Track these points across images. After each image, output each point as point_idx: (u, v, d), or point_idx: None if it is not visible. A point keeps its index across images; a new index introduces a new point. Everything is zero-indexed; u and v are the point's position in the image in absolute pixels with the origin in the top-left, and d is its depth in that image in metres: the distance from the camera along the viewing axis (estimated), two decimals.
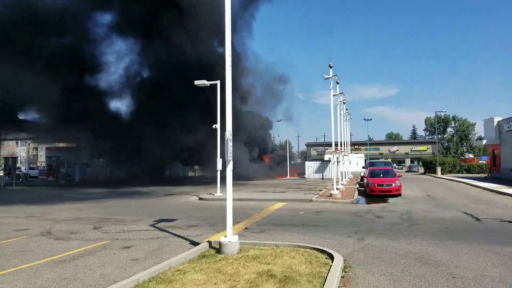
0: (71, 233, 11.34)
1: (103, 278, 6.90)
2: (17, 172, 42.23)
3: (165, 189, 28.44)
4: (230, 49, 8.65)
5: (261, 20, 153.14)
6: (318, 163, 45.76)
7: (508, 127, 33.00)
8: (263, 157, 49.08)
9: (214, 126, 23.02)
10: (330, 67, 22.42)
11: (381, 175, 22.71)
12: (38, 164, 78.97)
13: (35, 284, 6.66)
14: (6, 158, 48.80)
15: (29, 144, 52.24)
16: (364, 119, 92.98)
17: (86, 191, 28.42)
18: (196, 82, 19.94)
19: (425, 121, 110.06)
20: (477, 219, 13.04)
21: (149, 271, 6.71)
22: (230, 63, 8.69)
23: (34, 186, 35.41)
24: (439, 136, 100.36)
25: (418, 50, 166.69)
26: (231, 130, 8.61)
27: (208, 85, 20.45)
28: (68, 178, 42.80)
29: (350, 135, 54.20)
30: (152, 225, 12.49)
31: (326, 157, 49.44)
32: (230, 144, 8.51)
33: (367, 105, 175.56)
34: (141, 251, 8.95)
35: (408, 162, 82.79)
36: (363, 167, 41.85)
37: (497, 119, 36.17)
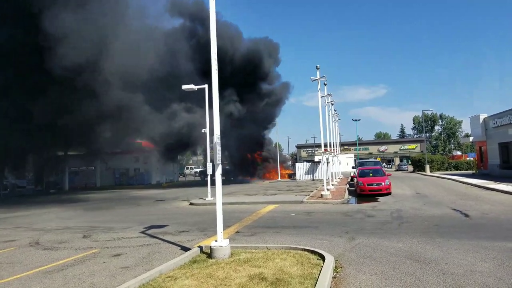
0: (60, 243, 11.16)
1: (93, 287, 6.79)
2: (4, 183, 41.47)
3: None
4: (216, 53, 8.64)
5: (243, 20, 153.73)
6: (308, 164, 45.91)
7: (494, 123, 33.55)
8: (256, 155, 48.12)
9: (203, 131, 22.93)
10: (317, 68, 22.58)
11: (371, 174, 22.88)
12: (26, 173, 77.60)
13: None
14: None
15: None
16: (352, 119, 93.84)
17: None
18: (184, 87, 19.88)
19: (413, 120, 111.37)
20: (466, 215, 13.20)
21: (140, 279, 6.63)
22: (216, 67, 8.68)
23: (23, 196, 34.83)
24: (427, 134, 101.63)
25: (405, 49, 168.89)
26: (219, 134, 8.59)
27: (196, 89, 20.41)
28: (57, 187, 42.20)
29: (340, 136, 54.53)
30: (143, 232, 12.37)
31: (316, 158, 49.62)
32: (218, 148, 8.49)
33: (355, 106, 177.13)
34: (131, 258, 8.85)
35: (397, 161, 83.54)
36: (353, 167, 42.18)
37: (483, 116, 36.74)
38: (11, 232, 13.66)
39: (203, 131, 22.94)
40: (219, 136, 8.57)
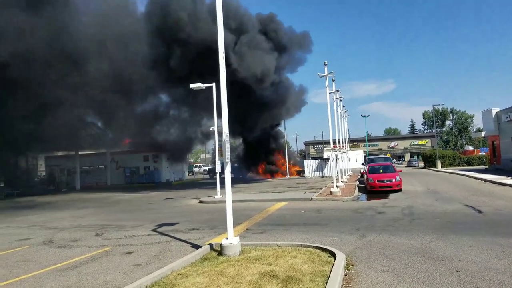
0: (73, 241, 11.31)
1: (106, 285, 6.87)
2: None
3: None
4: (223, 51, 8.63)
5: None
6: (317, 161, 45.71)
7: (507, 117, 33.00)
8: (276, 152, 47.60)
9: (211, 129, 22.98)
10: (325, 64, 22.43)
11: (381, 171, 22.69)
12: (38, 173, 78.73)
13: None
14: None
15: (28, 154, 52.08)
16: (361, 115, 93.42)
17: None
18: (192, 85, 19.90)
19: (423, 115, 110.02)
20: (479, 212, 13.03)
21: (151, 276, 6.68)
22: (224, 65, 8.67)
23: (36, 196, 35.34)
24: (438, 129, 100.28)
25: (415, 44, 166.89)
26: (228, 132, 8.60)
27: (204, 88, 20.42)
28: (68, 186, 42.74)
29: (348, 132, 54.19)
30: (154, 230, 12.46)
31: (325, 155, 49.37)
32: (227, 146, 8.50)
33: (364, 102, 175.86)
34: (143, 256, 8.92)
35: (407, 156, 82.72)
36: (362, 164, 41.87)
37: (495, 110, 36.16)
38: (25, 231, 13.88)
39: (211, 129, 22.99)
40: (228, 134, 8.59)
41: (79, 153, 42.44)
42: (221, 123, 9.00)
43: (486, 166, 41.49)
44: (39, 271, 8.05)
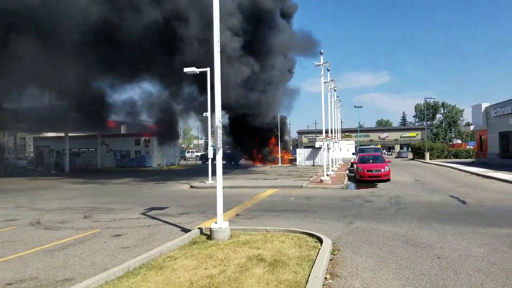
0: (61, 223, 11.30)
1: (94, 266, 6.92)
2: (4, 163, 41.61)
3: None
4: (219, 35, 8.57)
5: None
6: (309, 150, 45.96)
7: (495, 112, 33.47)
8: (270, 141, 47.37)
9: (204, 114, 22.90)
10: (321, 54, 22.41)
11: (371, 161, 22.97)
12: (26, 154, 77.86)
13: (24, 273, 6.65)
14: None
15: (16, 133, 51.30)
16: (354, 106, 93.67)
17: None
18: (186, 70, 19.73)
19: (415, 108, 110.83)
20: (463, 202, 13.32)
21: (140, 258, 6.75)
22: (219, 50, 8.62)
23: (24, 177, 35.05)
24: (428, 122, 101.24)
25: (410, 37, 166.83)
26: (220, 118, 8.61)
27: (198, 72, 20.26)
28: (57, 168, 42.37)
29: (341, 122, 54.36)
30: (143, 213, 12.51)
31: (317, 144, 49.72)
32: (220, 131, 8.53)
33: (359, 92, 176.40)
34: (132, 239, 8.98)
35: (397, 148, 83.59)
36: (353, 154, 42.25)
37: (484, 105, 36.65)
38: (12, 212, 13.80)
39: (204, 114, 22.91)
40: (220, 120, 8.61)
41: (69, 134, 41.97)
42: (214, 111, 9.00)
43: (473, 159, 42.20)
44: (25, 252, 8.05)
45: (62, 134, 42.38)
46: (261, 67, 32.21)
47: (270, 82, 34.83)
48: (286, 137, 48.91)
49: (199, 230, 8.91)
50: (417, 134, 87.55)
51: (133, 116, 40.61)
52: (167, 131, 39.99)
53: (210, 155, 22.13)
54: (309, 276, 5.61)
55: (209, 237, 8.22)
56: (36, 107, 36.12)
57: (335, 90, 32.41)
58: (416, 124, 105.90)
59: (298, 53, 38.31)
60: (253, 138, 43.98)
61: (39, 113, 35.07)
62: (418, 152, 52.87)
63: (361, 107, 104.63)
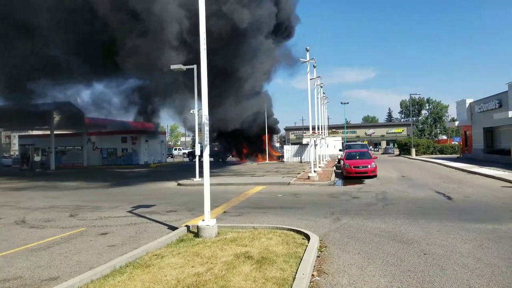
0: (46, 221, 11.12)
1: (79, 265, 6.82)
2: None
3: None
4: (205, 32, 8.50)
5: None
6: (296, 147, 46.10)
7: (479, 108, 34.04)
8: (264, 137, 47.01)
9: (191, 111, 22.76)
10: (307, 50, 22.43)
11: (357, 157, 23.15)
12: (12, 153, 76.35)
13: (9, 272, 6.53)
14: None
15: (0, 132, 50.18)
16: (341, 102, 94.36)
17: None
18: (172, 67, 19.59)
19: (401, 104, 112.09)
20: (449, 198, 13.53)
21: (126, 257, 6.68)
22: (205, 47, 8.55)
23: (8, 176, 34.36)
24: (414, 118, 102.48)
25: (396, 32, 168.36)
26: (207, 114, 8.56)
27: (185, 69, 20.14)
28: (42, 166, 41.66)
29: (328, 118, 54.73)
30: (130, 212, 12.38)
31: (304, 141, 49.84)
32: (206, 128, 8.48)
33: (345, 88, 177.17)
34: (118, 237, 8.88)
35: (384, 144, 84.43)
36: (340, 150, 42.51)
37: (469, 101, 37.25)
38: None
39: (191, 111, 22.74)
40: (208, 117, 8.55)
41: (55, 132, 41.25)
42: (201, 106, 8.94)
43: (458, 155, 42.93)
44: (10, 251, 7.90)
45: (48, 132, 41.65)
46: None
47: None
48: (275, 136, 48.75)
49: (186, 228, 8.86)
50: (403, 130, 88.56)
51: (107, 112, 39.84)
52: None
53: (198, 152, 22.01)
54: (296, 273, 5.63)
55: (196, 234, 8.18)
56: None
57: (321, 87, 32.53)
58: (402, 120, 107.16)
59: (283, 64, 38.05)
60: (239, 138, 43.85)
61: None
62: (404, 148, 53.54)
63: (347, 103, 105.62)
